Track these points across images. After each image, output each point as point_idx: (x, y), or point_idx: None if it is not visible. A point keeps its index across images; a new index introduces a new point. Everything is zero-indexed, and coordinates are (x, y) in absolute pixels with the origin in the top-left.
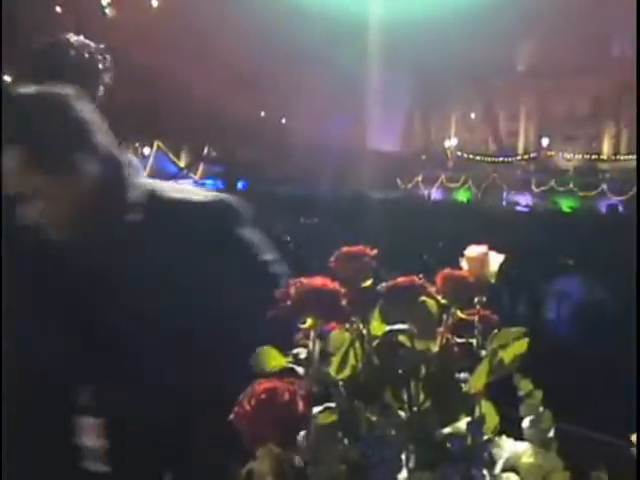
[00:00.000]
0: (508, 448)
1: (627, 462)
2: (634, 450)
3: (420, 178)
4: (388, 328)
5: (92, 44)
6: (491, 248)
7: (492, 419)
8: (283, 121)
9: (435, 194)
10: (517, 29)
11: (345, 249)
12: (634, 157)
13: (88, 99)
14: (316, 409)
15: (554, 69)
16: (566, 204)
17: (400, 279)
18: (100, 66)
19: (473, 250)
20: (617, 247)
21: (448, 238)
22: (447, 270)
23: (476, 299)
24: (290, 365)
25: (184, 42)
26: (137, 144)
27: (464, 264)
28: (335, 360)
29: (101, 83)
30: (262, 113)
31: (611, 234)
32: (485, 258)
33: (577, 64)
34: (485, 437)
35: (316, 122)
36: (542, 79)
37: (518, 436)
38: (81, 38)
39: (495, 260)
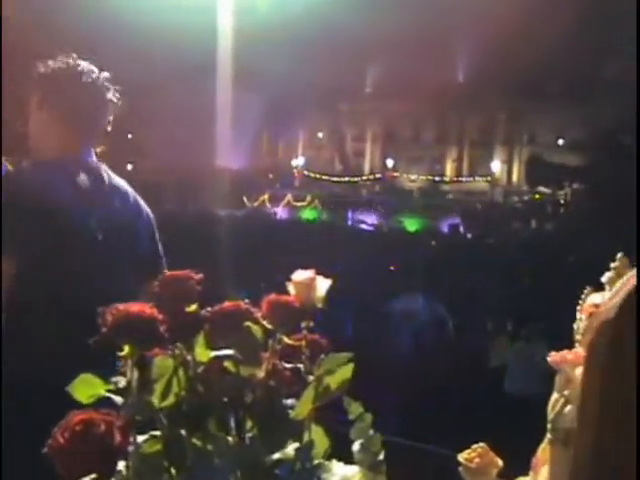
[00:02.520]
0: (338, 472)
1: (455, 473)
2: (463, 463)
3: (267, 196)
4: (213, 354)
5: (97, 71)
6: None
7: (322, 443)
8: (129, 136)
9: (282, 212)
10: (366, 53)
11: (169, 273)
12: (475, 179)
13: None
14: (141, 438)
15: (401, 93)
16: (410, 224)
17: (225, 304)
18: (110, 95)
19: (300, 275)
20: (458, 265)
21: (294, 257)
22: (273, 295)
23: (303, 324)
24: (108, 394)
25: (30, 56)
26: None
27: (291, 289)
28: (158, 388)
29: (111, 112)
30: (108, 128)
31: (453, 253)
32: (312, 283)
33: (423, 89)
34: (315, 462)
35: (164, 138)
36: (389, 102)
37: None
38: (89, 64)
39: (322, 285)
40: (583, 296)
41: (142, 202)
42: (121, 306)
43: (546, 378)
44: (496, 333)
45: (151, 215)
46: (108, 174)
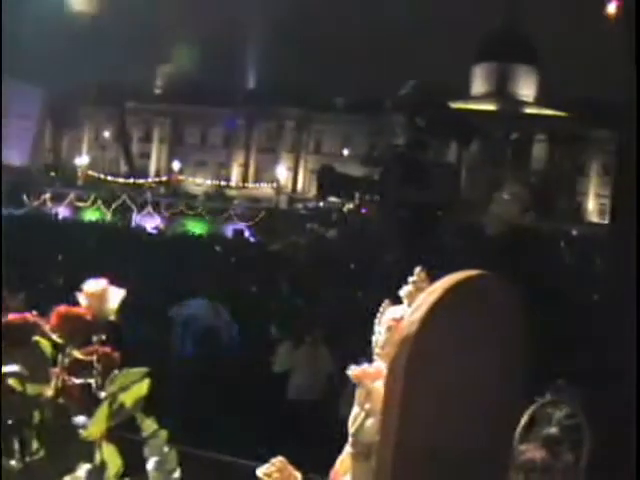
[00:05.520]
0: None
1: None
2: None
3: (48, 195)
4: None
5: None
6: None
7: (115, 463)
8: None
9: (63, 212)
10: (156, 53)
11: None
12: (260, 185)
13: None
14: None
15: (190, 95)
16: (195, 228)
17: (11, 316)
18: None
19: (92, 285)
20: (242, 271)
21: (76, 259)
22: (63, 307)
23: (95, 337)
24: None
25: None
26: None
27: (82, 300)
28: None
29: None
30: None
31: (237, 258)
32: (104, 293)
33: (212, 93)
34: None
35: None
36: (177, 104)
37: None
38: None
39: (115, 295)
40: (381, 309)
41: None
42: None
43: (329, 384)
44: (280, 339)
45: None
46: None
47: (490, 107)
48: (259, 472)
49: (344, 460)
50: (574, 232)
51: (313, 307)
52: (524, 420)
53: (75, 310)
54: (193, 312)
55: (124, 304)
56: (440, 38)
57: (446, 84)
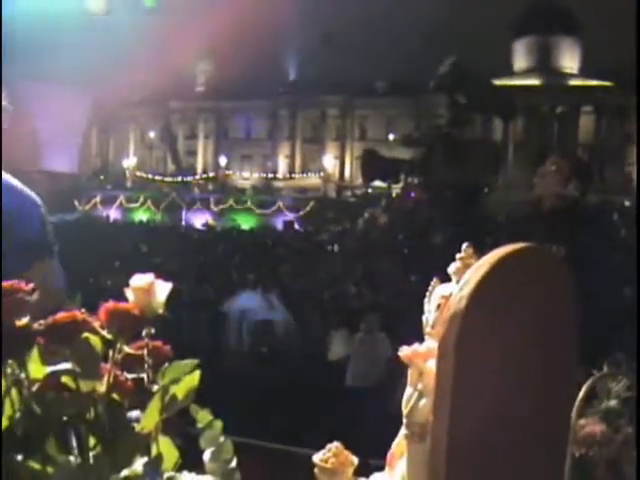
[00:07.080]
0: None
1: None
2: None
3: (99, 199)
4: (49, 370)
5: None
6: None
7: (171, 455)
8: None
9: (115, 214)
10: (196, 51)
11: None
12: (307, 175)
13: None
14: None
15: (232, 91)
16: (244, 222)
17: (60, 314)
18: None
19: (138, 280)
20: (296, 262)
21: (129, 259)
22: (111, 302)
23: (144, 331)
24: None
25: None
26: None
27: (129, 295)
28: None
29: None
30: None
31: (289, 249)
32: (151, 288)
33: (254, 86)
34: (165, 476)
35: None
36: (220, 100)
37: None
38: None
39: (162, 289)
40: (430, 288)
41: (26, 191)
42: None
43: (387, 369)
44: (336, 327)
45: (38, 202)
46: None
47: (534, 81)
48: (315, 458)
49: (400, 443)
50: (627, 203)
51: (367, 293)
52: (582, 394)
53: (122, 305)
54: (247, 306)
55: (180, 301)
56: (479, 14)
57: (486, 60)
